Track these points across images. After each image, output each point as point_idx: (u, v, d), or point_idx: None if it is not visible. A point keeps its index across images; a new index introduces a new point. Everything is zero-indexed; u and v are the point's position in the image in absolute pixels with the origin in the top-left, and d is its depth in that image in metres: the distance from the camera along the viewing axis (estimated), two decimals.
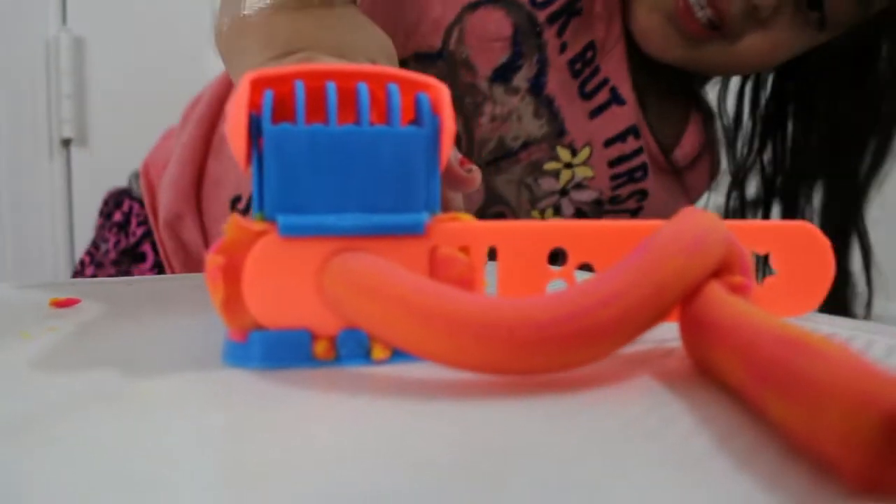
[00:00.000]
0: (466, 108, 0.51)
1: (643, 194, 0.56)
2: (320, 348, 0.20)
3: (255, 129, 0.20)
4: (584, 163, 0.53)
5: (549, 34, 0.50)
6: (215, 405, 0.18)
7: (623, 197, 0.56)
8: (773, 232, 0.24)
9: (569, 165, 0.53)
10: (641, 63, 0.54)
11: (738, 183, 0.60)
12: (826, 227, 0.54)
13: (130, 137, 1.01)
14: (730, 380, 0.17)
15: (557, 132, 0.52)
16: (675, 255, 0.18)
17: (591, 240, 0.22)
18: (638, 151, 0.55)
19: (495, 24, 0.49)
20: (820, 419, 0.12)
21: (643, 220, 0.22)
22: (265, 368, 0.20)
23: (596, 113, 0.53)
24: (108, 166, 1.02)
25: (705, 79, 0.61)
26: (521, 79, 0.50)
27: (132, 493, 0.13)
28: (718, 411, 0.16)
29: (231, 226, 0.20)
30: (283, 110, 0.21)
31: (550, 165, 0.53)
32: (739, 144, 0.61)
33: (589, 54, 0.52)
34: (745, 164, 0.60)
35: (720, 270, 0.20)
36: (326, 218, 0.20)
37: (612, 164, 0.55)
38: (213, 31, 0.40)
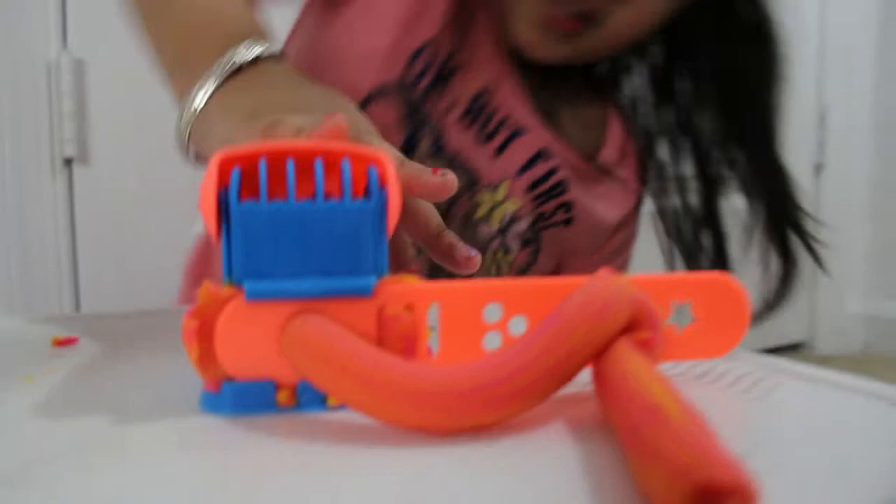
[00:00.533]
0: None
1: (567, 206, 0.59)
2: (283, 396, 0.23)
3: (223, 205, 0.23)
4: (507, 198, 0.56)
5: (431, 104, 0.53)
6: (190, 452, 0.21)
7: (549, 213, 0.58)
8: (691, 284, 0.26)
9: (495, 206, 0.56)
10: (541, 84, 0.57)
11: (648, 151, 0.62)
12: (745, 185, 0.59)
13: (130, 156, 1.04)
14: (614, 429, 0.19)
15: (472, 181, 0.54)
16: (581, 323, 0.21)
17: (521, 295, 0.25)
18: (551, 172, 0.58)
19: (384, 114, 0.52)
20: (652, 479, 0.15)
21: (565, 278, 0.25)
22: (235, 415, 0.23)
23: (501, 150, 0.56)
24: (109, 185, 1.06)
25: (615, 76, 0.63)
26: (423, 149, 0.53)
27: None
28: (603, 457, 0.19)
29: (203, 292, 0.23)
30: (249, 181, 0.24)
31: (479, 213, 0.55)
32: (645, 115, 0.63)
33: (481, 100, 0.56)
34: (649, 133, 0.62)
35: (629, 327, 0.22)
36: (286, 283, 0.23)
37: (530, 188, 0.57)
38: None
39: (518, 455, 0.20)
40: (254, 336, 0.23)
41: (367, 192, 0.24)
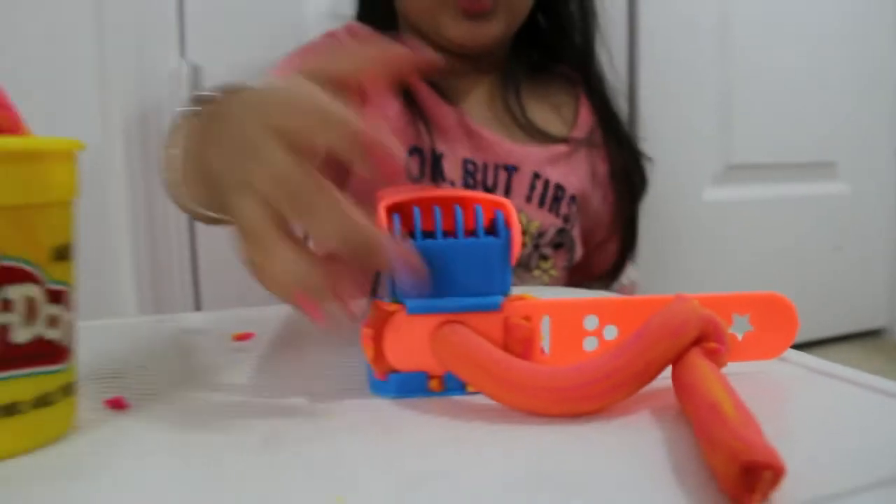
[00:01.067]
0: None
1: (574, 198, 0.72)
2: (434, 384, 0.31)
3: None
4: (529, 221, 0.69)
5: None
6: (373, 424, 0.29)
7: (566, 212, 0.72)
8: (750, 300, 0.33)
9: (523, 232, 0.64)
10: (514, 95, 0.73)
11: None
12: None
13: None
14: (688, 419, 0.26)
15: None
16: (661, 338, 0.28)
17: (612, 309, 0.32)
18: (547, 182, 0.71)
19: None
20: (715, 459, 0.22)
21: (649, 297, 0.32)
22: (398, 398, 0.31)
23: (507, 193, 0.70)
24: None
25: (582, 60, 0.78)
26: None
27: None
28: (681, 440, 0.26)
29: (374, 308, 0.31)
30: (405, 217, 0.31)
31: None
32: None
33: (470, 166, 0.70)
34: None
35: (700, 339, 0.29)
36: (436, 301, 0.30)
37: (541, 205, 0.70)
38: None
39: (617, 435, 0.27)
40: (412, 339, 0.30)
41: (495, 230, 0.31)
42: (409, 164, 0.67)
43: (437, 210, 0.31)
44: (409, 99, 0.69)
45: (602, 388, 0.27)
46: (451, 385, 0.31)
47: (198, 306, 1.09)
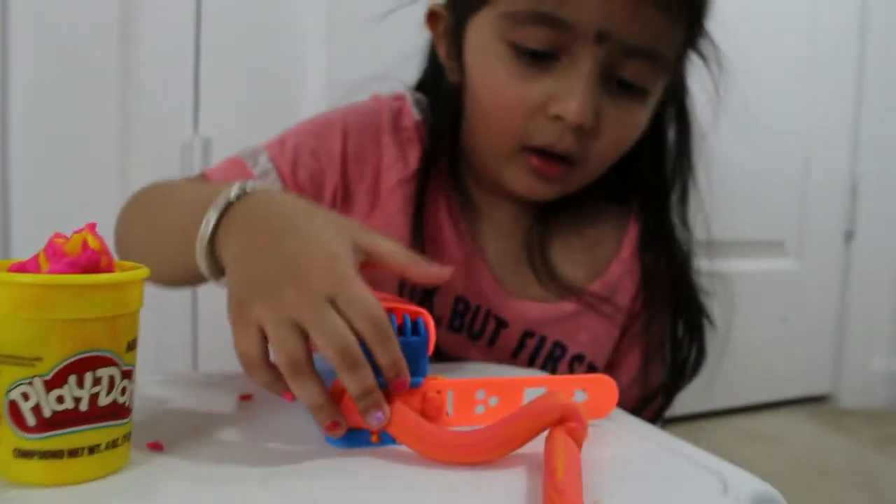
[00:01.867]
0: None
1: (580, 357, 0.68)
2: (374, 438, 0.45)
3: None
4: None
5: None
6: (341, 468, 0.42)
7: (560, 366, 0.68)
8: (587, 379, 0.47)
9: None
10: (537, 221, 0.67)
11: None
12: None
13: None
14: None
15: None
16: (523, 420, 0.41)
17: (495, 386, 0.46)
18: (542, 340, 0.66)
19: None
20: None
21: (519, 378, 0.46)
22: (345, 447, 0.44)
23: (491, 342, 0.66)
24: None
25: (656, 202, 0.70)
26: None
27: None
28: (535, 491, 0.39)
29: (334, 386, 0.44)
30: None
31: None
32: None
33: (460, 306, 0.66)
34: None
35: (564, 419, 0.43)
36: (381, 378, 0.44)
37: (530, 362, 0.67)
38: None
39: (491, 479, 0.40)
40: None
41: (416, 331, 0.45)
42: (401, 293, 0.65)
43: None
44: (418, 220, 0.65)
45: (483, 447, 0.41)
46: (385, 439, 0.45)
47: (195, 366, 1.21)
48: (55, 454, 0.37)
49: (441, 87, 0.67)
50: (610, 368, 0.70)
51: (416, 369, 0.45)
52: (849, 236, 1.88)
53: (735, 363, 1.66)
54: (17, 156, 1.07)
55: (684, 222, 0.72)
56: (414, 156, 0.67)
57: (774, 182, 1.69)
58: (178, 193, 0.57)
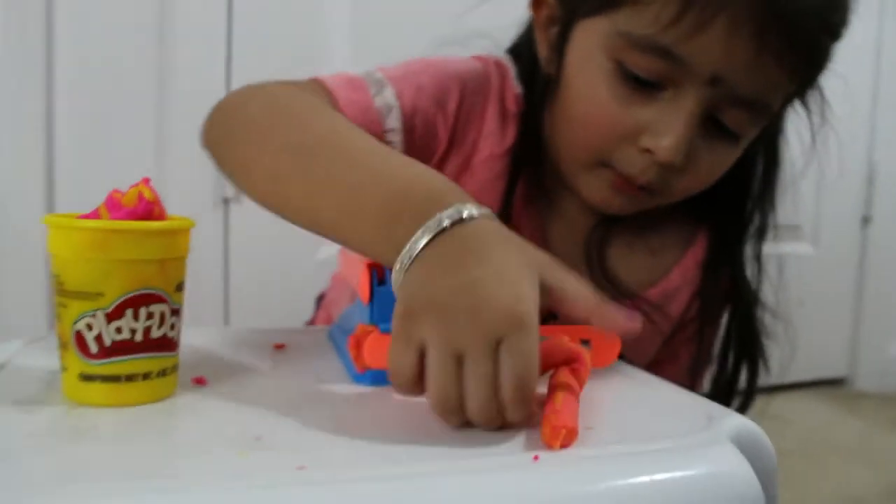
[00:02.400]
0: None
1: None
2: None
3: (373, 286, 0.50)
4: None
5: None
6: (358, 398, 0.47)
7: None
8: (593, 330, 0.51)
9: None
10: (590, 236, 0.66)
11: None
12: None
13: None
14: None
15: None
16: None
17: None
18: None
19: None
20: (544, 425, 0.40)
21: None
22: (370, 385, 0.49)
23: None
24: (256, 221, 1.36)
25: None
26: None
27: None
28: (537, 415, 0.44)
29: (360, 327, 0.49)
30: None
31: None
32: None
33: None
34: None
35: (569, 360, 0.47)
36: None
37: None
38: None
39: None
40: (383, 349, 0.49)
41: None
42: None
43: None
44: (507, 202, 0.65)
45: None
46: None
47: (227, 321, 1.28)
48: (114, 378, 0.42)
49: (536, 73, 0.65)
50: (655, 365, 0.71)
51: None
52: (865, 221, 1.89)
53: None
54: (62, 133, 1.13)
55: (758, 258, 0.71)
56: (511, 131, 0.66)
57: (791, 167, 1.72)
58: (344, 137, 0.50)
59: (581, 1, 0.59)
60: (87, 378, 0.42)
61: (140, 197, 0.43)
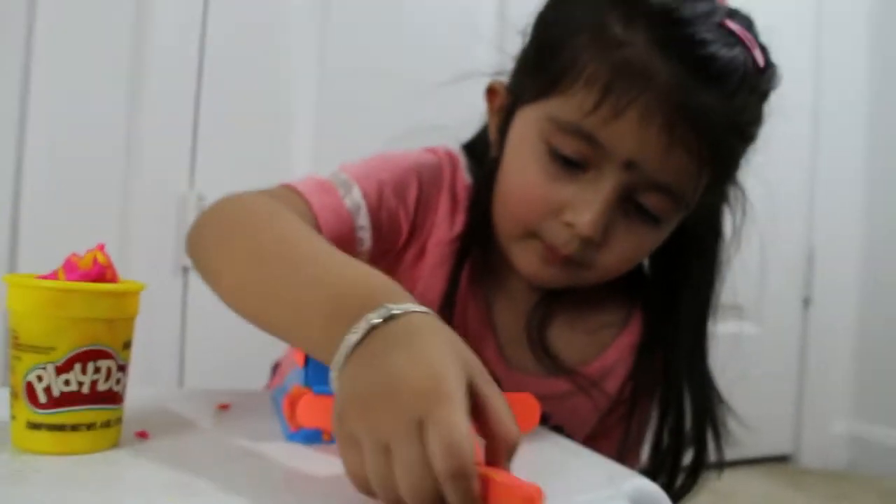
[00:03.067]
0: None
1: (560, 428, 0.70)
2: (325, 436, 0.53)
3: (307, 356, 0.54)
4: None
5: None
6: (283, 454, 0.51)
7: None
8: (511, 397, 0.56)
9: None
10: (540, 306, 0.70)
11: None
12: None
13: None
14: None
15: None
16: None
17: None
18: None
19: None
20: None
21: None
22: (303, 443, 0.53)
23: None
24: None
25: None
26: None
27: None
28: None
29: (295, 388, 0.53)
30: None
31: None
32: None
33: None
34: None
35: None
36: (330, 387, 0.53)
37: None
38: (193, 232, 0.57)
39: None
40: (314, 409, 0.53)
41: None
42: None
43: None
44: (453, 284, 0.68)
45: None
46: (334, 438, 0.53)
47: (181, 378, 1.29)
48: (60, 427, 0.46)
49: (486, 158, 0.71)
50: (591, 440, 0.73)
51: None
52: (806, 303, 1.98)
53: None
54: (30, 190, 1.17)
55: (700, 331, 0.73)
56: (460, 219, 0.70)
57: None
58: (294, 245, 0.53)
59: (523, 89, 0.66)
60: (34, 426, 0.46)
61: (94, 261, 0.47)
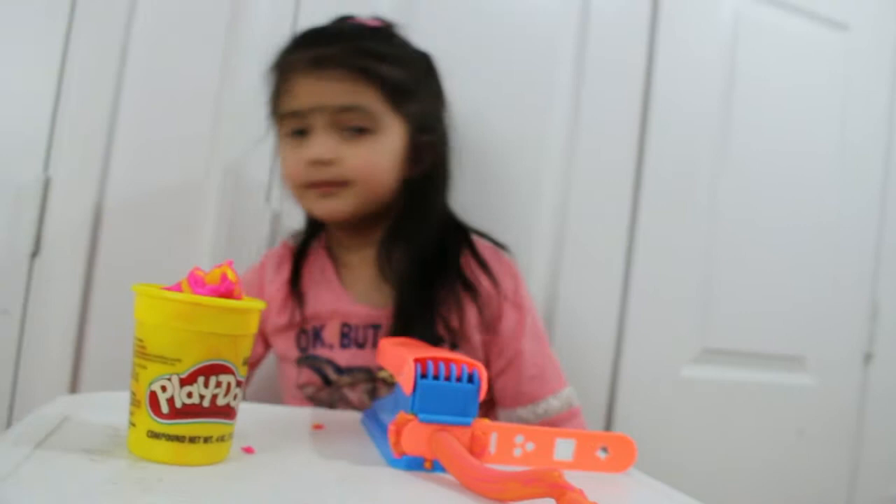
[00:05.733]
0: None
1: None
2: (427, 464, 0.53)
3: (416, 380, 0.54)
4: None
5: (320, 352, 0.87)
6: (395, 480, 0.51)
7: None
8: (608, 437, 0.55)
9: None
10: (379, 263, 0.87)
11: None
12: None
13: None
14: None
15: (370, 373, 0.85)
16: (519, 482, 0.50)
17: (531, 432, 0.55)
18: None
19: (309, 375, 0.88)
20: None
21: (555, 430, 0.54)
22: (405, 469, 0.53)
23: (374, 346, 0.85)
24: None
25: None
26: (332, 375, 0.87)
27: None
28: None
29: (400, 416, 0.53)
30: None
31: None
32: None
33: (344, 329, 0.87)
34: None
35: (551, 493, 0.51)
36: (435, 416, 0.53)
37: None
38: None
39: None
40: (419, 437, 0.53)
41: (471, 380, 0.54)
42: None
43: (441, 364, 0.55)
44: (296, 278, 0.90)
45: (489, 489, 0.49)
46: (436, 466, 0.53)
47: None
48: (179, 438, 0.47)
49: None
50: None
51: (468, 411, 0.54)
52: (868, 358, 1.93)
53: (750, 476, 1.69)
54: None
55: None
56: (287, 267, 0.92)
57: (796, 298, 1.76)
58: None
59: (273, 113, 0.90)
60: (154, 435, 0.47)
61: (223, 277, 0.48)
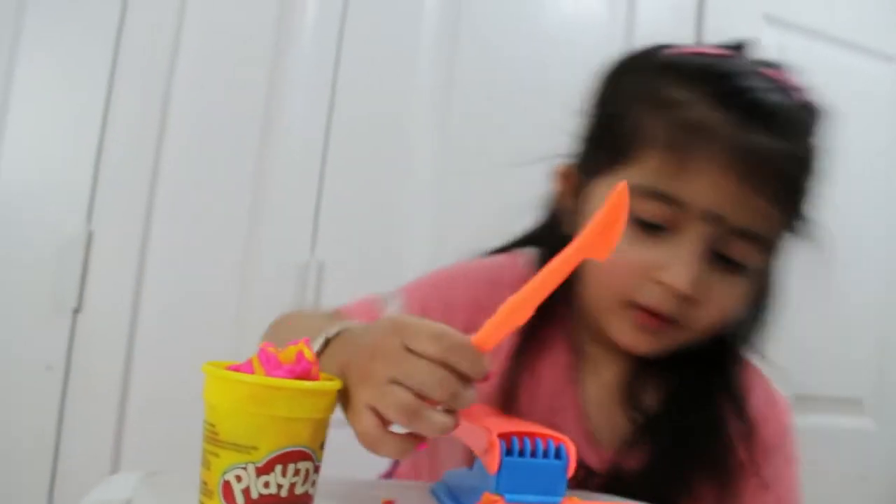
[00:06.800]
0: None
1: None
2: None
3: (502, 455, 0.50)
4: None
5: None
6: None
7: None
8: None
9: None
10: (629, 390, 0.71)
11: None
12: None
13: None
14: None
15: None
16: None
17: None
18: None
19: None
20: None
21: None
22: None
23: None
24: None
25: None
26: None
27: None
28: None
29: (485, 498, 0.49)
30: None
31: None
32: None
33: None
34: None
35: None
36: (523, 496, 0.49)
37: None
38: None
39: None
40: None
41: (558, 456, 0.51)
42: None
43: (526, 439, 0.51)
44: (518, 360, 0.70)
45: None
46: None
47: None
48: None
49: (556, 239, 0.67)
50: None
51: (556, 489, 0.50)
52: None
53: None
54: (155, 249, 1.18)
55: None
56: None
57: (854, 339, 1.71)
58: (306, 324, 0.65)
59: (592, 165, 0.69)
60: None
61: (300, 356, 0.45)
